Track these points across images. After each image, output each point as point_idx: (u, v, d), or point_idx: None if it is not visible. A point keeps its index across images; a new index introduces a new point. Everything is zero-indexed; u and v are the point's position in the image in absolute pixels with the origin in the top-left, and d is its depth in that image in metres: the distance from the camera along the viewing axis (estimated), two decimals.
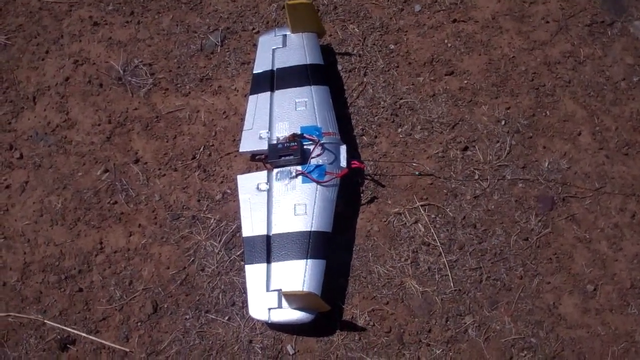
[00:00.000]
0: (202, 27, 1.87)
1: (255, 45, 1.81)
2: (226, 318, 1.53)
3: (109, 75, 1.81)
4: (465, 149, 1.69)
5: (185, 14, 1.89)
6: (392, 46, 1.83)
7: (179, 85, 1.79)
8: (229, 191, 1.66)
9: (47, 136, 1.74)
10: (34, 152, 1.72)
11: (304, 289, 1.43)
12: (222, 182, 1.67)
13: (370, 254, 1.58)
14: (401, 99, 1.76)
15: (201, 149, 1.71)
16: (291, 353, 1.50)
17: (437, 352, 1.49)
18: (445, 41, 1.84)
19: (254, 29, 1.86)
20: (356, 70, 1.80)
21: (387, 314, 1.53)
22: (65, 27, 1.89)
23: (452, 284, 1.55)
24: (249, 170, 1.67)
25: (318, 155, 1.53)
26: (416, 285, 1.55)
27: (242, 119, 1.71)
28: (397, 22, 1.87)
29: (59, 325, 1.54)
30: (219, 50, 1.84)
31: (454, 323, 1.52)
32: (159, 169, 1.69)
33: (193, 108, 1.76)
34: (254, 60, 1.74)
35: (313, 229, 1.47)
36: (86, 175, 1.69)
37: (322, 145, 1.54)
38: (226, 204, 1.64)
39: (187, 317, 1.54)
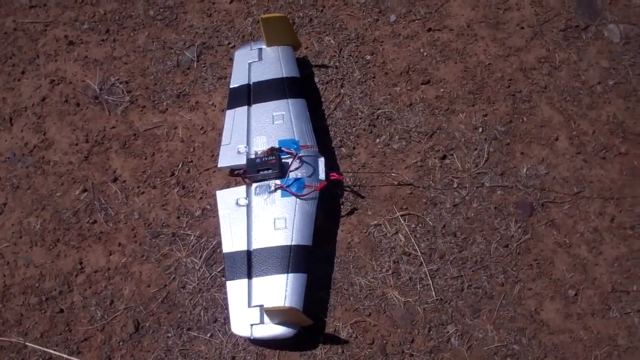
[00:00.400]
0: (178, 43, 1.87)
1: (231, 60, 1.82)
2: (208, 335, 1.53)
3: (85, 94, 1.81)
4: (444, 157, 1.70)
5: (160, 31, 1.89)
6: (368, 57, 1.84)
7: (156, 102, 1.79)
8: (208, 207, 1.65)
9: (24, 157, 1.73)
10: (11, 174, 1.71)
11: (286, 304, 1.42)
12: (201, 198, 1.67)
13: (351, 265, 1.58)
14: (378, 109, 1.76)
15: (180, 166, 1.70)
16: None
17: None
18: (421, 50, 1.85)
19: (229, 43, 1.86)
20: (333, 82, 1.80)
21: (369, 326, 1.53)
22: (40, 47, 1.88)
23: (433, 294, 1.55)
24: (228, 185, 1.67)
25: (296, 169, 1.53)
26: (398, 296, 1.55)
27: (220, 134, 1.70)
28: (373, 33, 1.88)
29: (41, 347, 1.53)
30: (195, 66, 1.83)
31: (437, 332, 1.52)
32: (138, 187, 1.68)
33: (171, 124, 1.76)
34: (231, 74, 1.74)
35: (293, 243, 1.47)
36: (65, 195, 1.68)
37: (300, 158, 1.54)
38: (206, 219, 1.64)
39: (169, 335, 1.53)
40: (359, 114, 1.75)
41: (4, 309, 1.58)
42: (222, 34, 1.88)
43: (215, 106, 1.78)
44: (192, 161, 1.71)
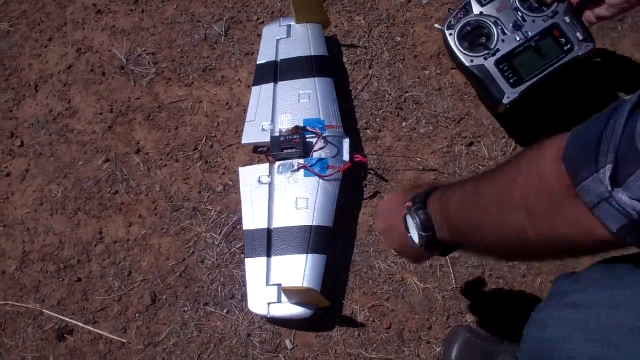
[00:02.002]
0: (206, 17, 1.85)
1: (259, 36, 1.80)
2: (225, 311, 1.52)
3: (111, 64, 1.80)
4: (471, 144, 1.67)
5: (189, 3, 1.87)
6: (398, 38, 1.81)
7: (181, 75, 1.77)
8: (230, 183, 1.64)
9: (48, 124, 1.73)
10: (35, 140, 1.71)
11: (304, 284, 1.41)
12: (223, 173, 1.65)
13: (371, 249, 1.56)
14: (406, 92, 1.73)
15: (203, 140, 1.69)
16: (289, 347, 1.48)
17: (437, 349, 1.47)
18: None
19: (258, 19, 1.84)
20: (361, 62, 1.77)
21: (387, 310, 1.51)
22: (68, 15, 1.87)
23: (453, 281, 1.53)
24: (250, 162, 1.65)
25: (320, 149, 1.51)
26: (417, 282, 1.53)
27: (245, 110, 1.69)
28: (404, 14, 1.84)
29: (57, 315, 1.54)
30: (222, 40, 1.82)
31: (455, 321, 1.50)
32: (160, 160, 1.68)
33: (196, 98, 1.75)
34: (258, 50, 1.73)
35: (314, 223, 1.45)
36: (87, 164, 1.68)
37: (324, 138, 1.52)
38: (227, 195, 1.63)
39: (186, 309, 1.53)
40: (386, 96, 1.73)
41: (22, 275, 1.58)
42: (251, 9, 1.86)
43: (241, 82, 1.76)
44: (215, 136, 1.70)
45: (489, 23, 1.48)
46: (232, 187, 1.63)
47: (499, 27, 1.47)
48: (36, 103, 1.76)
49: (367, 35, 1.81)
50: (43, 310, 1.54)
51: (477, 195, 0.87)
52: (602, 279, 0.77)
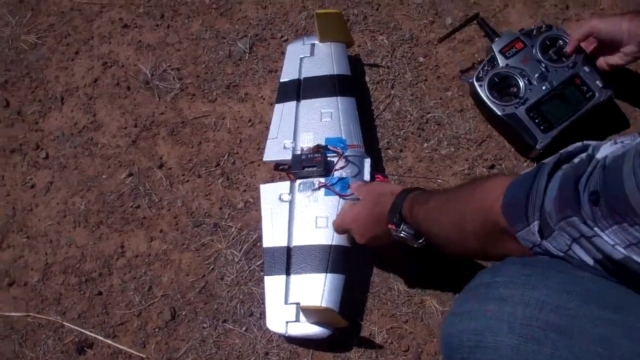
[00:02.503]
0: (231, 34, 1.86)
1: (283, 54, 1.81)
2: (243, 329, 1.53)
3: (137, 78, 1.82)
4: (492, 167, 1.67)
5: (215, 19, 1.89)
6: (421, 59, 1.82)
7: (205, 91, 1.79)
8: (251, 200, 1.65)
9: (73, 137, 1.75)
10: (59, 153, 1.73)
11: (323, 304, 1.42)
12: (245, 190, 1.67)
13: (390, 269, 1.57)
14: (428, 113, 1.74)
15: (225, 157, 1.71)
16: None
17: None
18: (476, 55, 1.82)
19: (282, 36, 1.86)
20: (384, 82, 1.78)
21: (405, 333, 1.52)
22: (95, 29, 1.89)
23: None
24: (272, 180, 1.66)
25: (342, 168, 1.52)
26: (436, 305, 1.53)
27: (267, 128, 1.70)
28: (428, 35, 1.85)
29: (78, 328, 1.55)
30: (247, 57, 1.83)
31: None
32: (183, 175, 1.69)
33: (219, 115, 1.76)
34: (282, 68, 1.74)
35: (334, 243, 1.46)
36: (110, 178, 1.70)
37: (346, 157, 1.52)
38: (248, 212, 1.64)
39: (205, 325, 1.54)
40: (408, 116, 1.73)
41: (44, 287, 1.60)
42: (276, 26, 1.87)
43: (264, 99, 1.77)
44: (238, 153, 1.71)
45: (516, 74, 1.59)
46: (253, 204, 1.64)
47: (526, 78, 1.58)
48: (62, 116, 1.78)
49: (390, 55, 1.82)
50: (64, 322, 1.55)
51: (441, 217, 1.05)
52: (525, 275, 0.81)
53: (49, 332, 1.55)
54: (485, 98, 1.60)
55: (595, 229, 0.71)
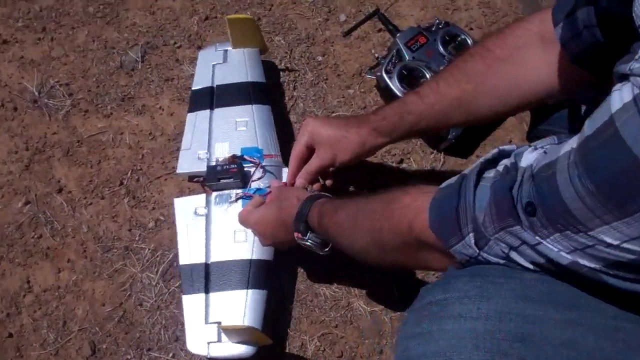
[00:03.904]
0: (121, 43, 1.78)
1: (177, 61, 1.75)
2: (170, 355, 1.47)
3: (23, 97, 1.70)
4: (401, 161, 1.68)
5: (101, 29, 1.79)
6: (320, 58, 1.80)
7: (99, 106, 1.70)
8: (162, 218, 1.58)
9: None
10: None
11: (245, 322, 1.37)
12: (153, 208, 1.60)
13: (314, 275, 1.55)
14: (333, 112, 1.73)
15: (129, 174, 1.63)
16: None
17: None
18: (372, 51, 1.82)
19: (175, 43, 1.79)
20: (285, 84, 1.75)
21: (337, 338, 1.50)
22: None
23: (399, 302, 1.54)
24: (181, 194, 1.60)
25: (259, 179, 1.47)
26: (364, 306, 1.53)
27: (170, 140, 1.65)
28: (324, 33, 1.84)
29: None
30: (139, 67, 1.75)
31: None
32: (85, 198, 1.60)
33: (116, 130, 1.67)
34: (193, 76, 1.68)
35: (254, 257, 1.42)
36: (6, 208, 1.58)
37: (263, 167, 1.48)
38: (160, 231, 1.57)
39: (129, 356, 1.46)
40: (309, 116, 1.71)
41: None
42: (167, 33, 1.80)
43: (163, 110, 1.70)
44: (141, 169, 1.64)
45: (423, 67, 1.62)
46: (165, 222, 1.58)
47: (432, 70, 1.61)
48: None
49: (288, 56, 1.79)
50: None
51: (355, 233, 1.04)
52: (476, 287, 0.80)
53: None
54: (396, 90, 1.61)
55: (537, 237, 0.71)
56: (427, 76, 1.61)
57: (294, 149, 1.39)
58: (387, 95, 1.66)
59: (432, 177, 1.67)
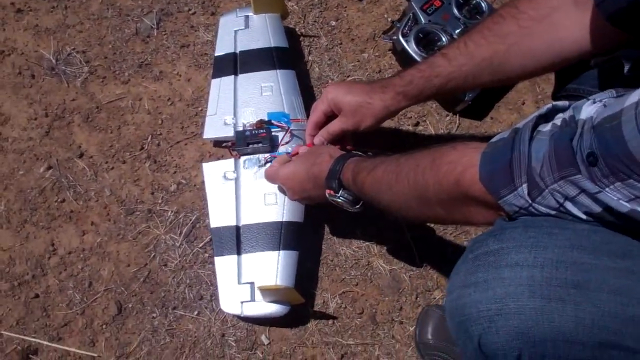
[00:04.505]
0: (135, 10, 1.78)
1: (192, 27, 1.76)
2: (195, 313, 1.49)
3: (40, 65, 1.70)
4: (417, 124, 1.70)
5: None
6: (333, 23, 1.81)
7: (117, 73, 1.70)
8: (183, 181, 1.60)
9: None
10: None
11: (278, 282, 1.40)
12: (175, 172, 1.61)
13: (335, 235, 1.57)
14: (348, 76, 1.74)
15: (149, 139, 1.64)
16: (266, 343, 1.47)
17: (410, 329, 1.50)
18: (385, 15, 1.83)
19: (189, 9, 1.79)
20: (299, 49, 1.76)
21: (357, 296, 1.53)
22: None
23: (418, 260, 1.56)
24: (202, 158, 1.62)
25: (287, 143, 1.49)
26: (383, 264, 1.55)
27: (188, 105, 1.66)
28: None
29: (18, 335, 1.45)
30: (155, 34, 1.76)
31: (424, 299, 1.53)
32: (106, 162, 1.61)
33: (135, 96, 1.68)
34: (215, 42, 1.68)
35: (285, 219, 1.44)
36: (28, 173, 1.59)
37: (291, 132, 1.49)
38: (182, 194, 1.59)
39: (154, 315, 1.48)
40: (329, 81, 1.73)
41: None
42: (181, 0, 1.80)
43: (180, 76, 1.71)
44: (161, 134, 1.65)
45: (439, 30, 1.64)
46: (186, 185, 1.59)
47: (448, 34, 1.63)
48: None
49: (302, 21, 1.80)
50: (2, 332, 1.45)
51: (396, 187, 1.05)
52: (531, 237, 0.82)
53: None
54: (413, 53, 1.63)
55: (596, 186, 0.74)
56: (444, 39, 1.63)
57: (311, 115, 1.41)
58: (404, 58, 1.68)
59: (449, 139, 1.69)
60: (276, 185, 1.45)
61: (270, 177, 1.42)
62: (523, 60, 1.13)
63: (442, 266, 1.57)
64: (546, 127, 0.82)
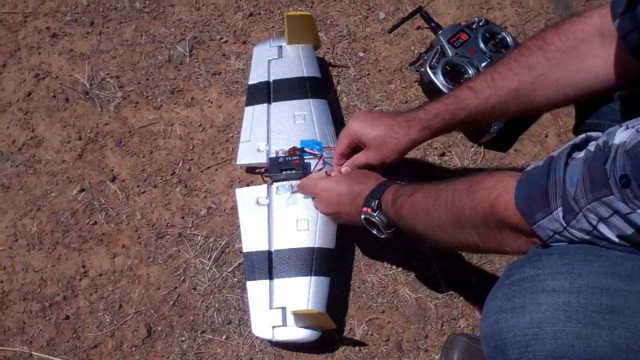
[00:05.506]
0: (168, 37, 1.82)
1: (224, 55, 1.79)
2: (224, 337, 1.50)
3: (74, 89, 1.73)
4: (443, 154, 1.73)
5: (148, 24, 1.83)
6: (361, 54, 1.84)
7: (149, 98, 1.73)
8: (213, 206, 1.62)
9: (13, 156, 1.64)
10: (0, 174, 1.63)
11: (310, 307, 1.41)
12: (205, 197, 1.63)
13: (362, 263, 1.59)
14: (375, 106, 1.77)
15: (180, 164, 1.66)
16: None
17: (435, 357, 1.51)
18: (412, 47, 1.87)
19: (221, 38, 1.83)
20: (329, 79, 1.79)
21: (384, 323, 1.54)
22: (21, 39, 1.79)
23: (443, 288, 1.58)
24: (232, 183, 1.64)
25: (320, 170, 1.51)
26: (409, 292, 1.57)
27: (219, 131, 1.68)
28: (364, 30, 1.88)
29: (48, 356, 1.46)
30: (187, 61, 1.79)
31: (449, 327, 1.55)
32: (138, 186, 1.63)
33: (167, 121, 1.71)
34: (240, 70, 1.74)
35: (317, 246, 1.46)
36: (61, 195, 1.61)
37: (323, 159, 1.52)
38: (212, 219, 1.61)
39: (183, 338, 1.49)
40: (357, 111, 1.75)
41: (4, 317, 1.50)
42: (213, 28, 1.84)
43: (211, 102, 1.74)
44: (192, 159, 1.67)
45: (465, 63, 1.68)
46: (216, 210, 1.61)
47: (474, 66, 1.67)
48: None
49: (331, 52, 1.84)
50: (32, 352, 1.47)
51: (433, 211, 1.09)
52: (567, 264, 0.84)
53: None
54: (440, 85, 1.66)
55: (629, 207, 0.76)
56: (470, 72, 1.66)
57: (336, 146, 1.45)
58: (431, 90, 1.71)
59: (474, 170, 1.71)
60: (308, 211, 1.48)
61: (309, 187, 1.45)
62: (548, 90, 1.16)
63: (467, 295, 1.58)
64: (580, 154, 0.86)
